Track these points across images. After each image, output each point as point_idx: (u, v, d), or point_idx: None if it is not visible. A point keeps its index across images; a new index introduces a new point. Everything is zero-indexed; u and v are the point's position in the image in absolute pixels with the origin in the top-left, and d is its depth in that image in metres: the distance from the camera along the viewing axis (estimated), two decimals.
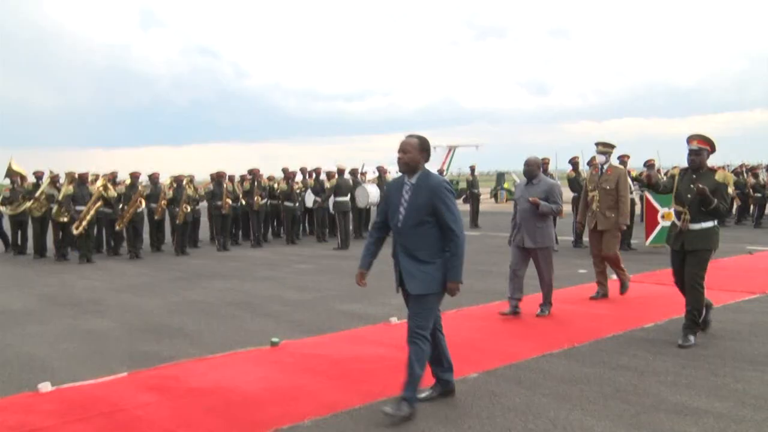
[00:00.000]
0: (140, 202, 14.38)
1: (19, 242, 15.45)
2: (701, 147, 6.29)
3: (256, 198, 16.12)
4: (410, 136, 4.71)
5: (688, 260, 6.33)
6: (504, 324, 7.21)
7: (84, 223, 13.47)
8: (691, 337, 6.21)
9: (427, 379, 4.83)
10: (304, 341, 6.59)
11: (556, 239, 8.13)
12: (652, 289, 8.97)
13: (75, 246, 14.20)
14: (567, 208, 11.37)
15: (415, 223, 4.59)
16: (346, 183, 16.35)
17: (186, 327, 7.56)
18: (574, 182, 14.99)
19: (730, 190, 6.38)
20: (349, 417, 4.55)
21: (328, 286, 10.16)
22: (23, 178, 15.00)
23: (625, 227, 8.58)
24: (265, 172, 17.72)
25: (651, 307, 7.77)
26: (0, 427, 4.52)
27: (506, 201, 35.50)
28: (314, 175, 17.70)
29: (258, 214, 16.43)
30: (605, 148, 8.60)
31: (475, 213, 20.99)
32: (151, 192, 14.92)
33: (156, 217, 15.15)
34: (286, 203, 16.97)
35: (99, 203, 13.92)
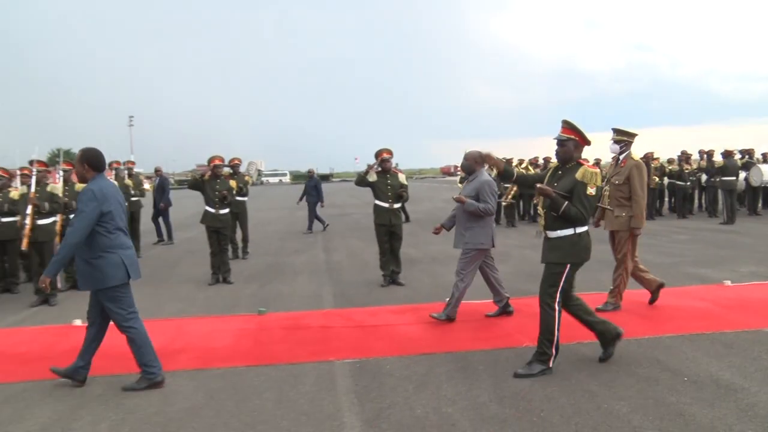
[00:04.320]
0: None
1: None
2: (568, 137, 4.86)
3: (652, 178, 16.58)
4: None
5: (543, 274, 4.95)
6: None
7: (509, 197, 15.76)
8: (537, 367, 4.83)
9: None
10: (638, 291, 7.32)
11: (493, 242, 6.53)
12: None
13: (505, 215, 16.68)
14: None
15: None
16: (734, 164, 16.02)
17: None
18: None
19: (591, 190, 4.74)
20: (630, 343, 5.53)
21: (690, 254, 10.61)
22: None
23: (639, 232, 6.60)
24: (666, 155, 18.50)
25: None
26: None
27: None
28: (706, 157, 17.62)
29: (653, 192, 16.92)
30: (619, 136, 6.79)
31: None
32: None
33: None
34: (678, 182, 17.47)
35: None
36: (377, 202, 8.57)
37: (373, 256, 9.64)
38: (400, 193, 8.51)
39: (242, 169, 12.66)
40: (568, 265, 4.80)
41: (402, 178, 8.70)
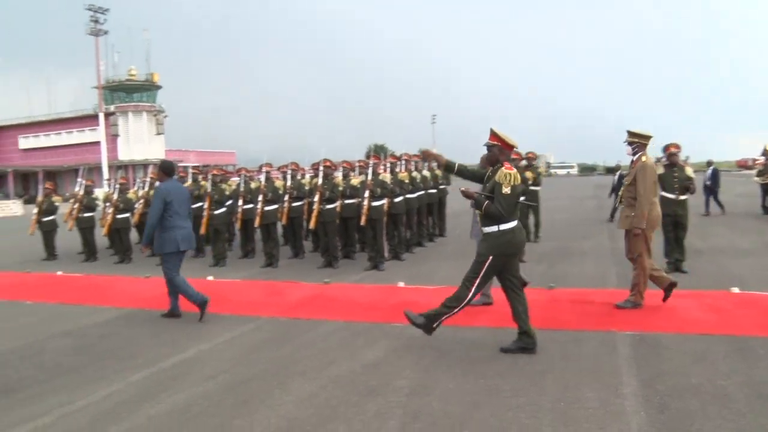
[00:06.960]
0: None
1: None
2: (493, 143, 5.18)
3: None
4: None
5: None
6: None
7: None
8: (419, 318, 5.29)
9: None
10: None
11: None
12: None
13: None
14: None
15: None
16: None
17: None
18: None
19: (506, 190, 5.00)
20: None
21: None
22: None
23: (639, 231, 6.38)
24: None
25: None
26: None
27: None
28: None
29: None
30: (631, 138, 6.60)
31: None
32: None
33: None
34: None
35: None
36: (663, 193, 8.49)
37: (658, 245, 9.49)
38: (686, 186, 8.32)
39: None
40: (491, 257, 5.10)
41: (689, 171, 8.48)
